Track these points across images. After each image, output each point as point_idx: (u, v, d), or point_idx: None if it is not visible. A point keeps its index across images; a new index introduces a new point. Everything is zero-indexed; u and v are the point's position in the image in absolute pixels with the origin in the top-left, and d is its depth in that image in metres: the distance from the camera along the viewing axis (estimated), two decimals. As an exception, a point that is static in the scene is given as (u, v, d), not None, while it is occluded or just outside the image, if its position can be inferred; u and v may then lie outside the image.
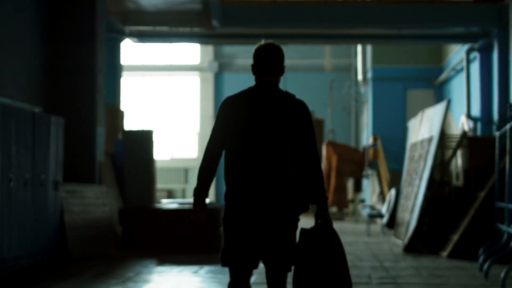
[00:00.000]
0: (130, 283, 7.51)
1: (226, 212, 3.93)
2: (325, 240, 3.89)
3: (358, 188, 20.26)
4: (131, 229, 10.92)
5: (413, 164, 12.38)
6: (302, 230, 3.97)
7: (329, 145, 19.83)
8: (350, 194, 20.56)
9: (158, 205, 11.52)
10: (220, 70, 24.36)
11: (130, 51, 22.97)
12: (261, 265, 3.96)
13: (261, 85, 4.00)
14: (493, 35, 13.77)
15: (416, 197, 11.39)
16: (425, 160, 11.41)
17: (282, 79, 4.19)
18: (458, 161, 12.94)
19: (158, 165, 19.05)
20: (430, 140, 11.45)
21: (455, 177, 12.88)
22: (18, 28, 10.13)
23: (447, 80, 18.52)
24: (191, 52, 24.54)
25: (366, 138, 21.27)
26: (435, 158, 11.15)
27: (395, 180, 16.92)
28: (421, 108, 14.37)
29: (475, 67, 14.77)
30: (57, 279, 7.79)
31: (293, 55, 22.95)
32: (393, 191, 14.15)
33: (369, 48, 20.64)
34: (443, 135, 11.86)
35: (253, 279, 7.00)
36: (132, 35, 14.57)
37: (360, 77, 21.99)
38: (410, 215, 11.39)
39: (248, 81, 4.11)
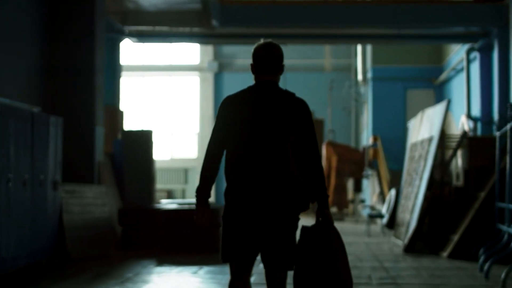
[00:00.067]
0: (129, 283, 7.48)
1: (226, 210, 3.93)
2: (326, 238, 3.89)
3: (358, 188, 20.25)
4: (130, 230, 10.90)
5: (413, 164, 12.36)
6: (303, 228, 3.98)
7: (329, 145, 19.81)
8: (350, 194, 20.54)
9: (158, 205, 11.50)
10: (220, 70, 24.35)
11: (130, 51, 22.95)
12: (261, 265, 3.95)
13: (261, 84, 3.99)
14: (493, 35, 13.76)
15: (416, 197, 11.37)
16: (425, 160, 11.39)
17: (282, 79, 4.19)
18: (458, 161, 12.92)
19: (158, 165, 19.04)
20: (430, 140, 11.43)
21: (455, 177, 12.86)
22: (17, 28, 10.11)
23: (447, 80, 18.50)
24: (191, 52, 24.53)
25: (366, 138, 21.25)
26: (435, 158, 11.13)
27: (395, 180, 16.90)
28: (421, 108, 14.35)
29: (475, 67, 14.75)
30: (56, 280, 7.76)
31: (293, 55, 22.93)
32: (393, 191, 14.13)
33: (369, 48, 20.62)
34: (443, 135, 11.84)
35: (253, 279, 6.97)
36: (131, 35, 14.55)
37: (360, 77, 21.97)
38: (410, 215, 11.36)
39: (248, 81, 4.09)
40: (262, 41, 4.05)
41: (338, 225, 4.10)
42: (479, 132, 14.26)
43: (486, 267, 7.91)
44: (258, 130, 3.88)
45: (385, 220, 13.99)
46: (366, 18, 13.94)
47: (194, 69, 24.51)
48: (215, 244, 10.28)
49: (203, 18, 13.52)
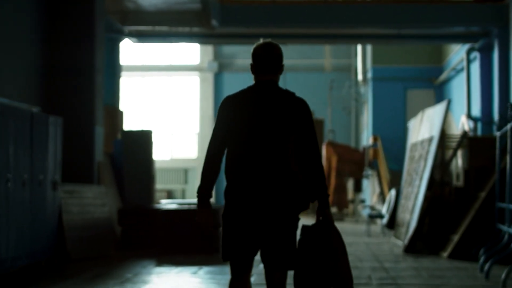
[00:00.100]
0: (129, 284, 7.47)
1: (226, 209, 3.93)
2: (327, 237, 3.89)
3: (358, 188, 20.23)
4: (130, 230, 10.89)
5: (413, 164, 12.35)
6: (304, 226, 3.98)
7: (329, 145, 19.80)
8: (350, 194, 20.52)
9: (157, 206, 11.48)
10: (220, 70, 24.34)
11: (130, 51, 22.93)
12: (261, 266, 3.95)
13: (261, 84, 3.99)
14: (494, 35, 13.74)
15: (416, 197, 11.35)
16: (426, 160, 11.37)
17: (282, 79, 4.19)
18: (459, 161, 12.90)
19: (157, 165, 19.02)
20: (430, 140, 11.42)
21: (456, 177, 12.84)
22: (17, 27, 10.10)
23: (448, 80, 18.49)
24: (190, 52, 24.51)
25: (366, 138, 21.24)
26: (435, 158, 11.11)
27: (395, 180, 16.89)
28: (421, 108, 14.33)
29: (476, 67, 14.74)
30: (56, 280, 7.75)
31: (293, 55, 22.92)
32: (393, 192, 14.12)
33: (369, 48, 20.62)
34: (444, 135, 11.82)
35: (253, 279, 6.96)
36: (131, 35, 14.53)
37: (360, 77, 21.96)
38: (411, 216, 11.35)
39: (248, 81, 4.09)
40: (261, 41, 4.05)
41: (338, 225, 4.09)
42: (479, 132, 14.25)
43: (486, 267, 7.90)
44: (258, 130, 3.88)
45: (385, 220, 13.97)
46: (366, 18, 13.93)
47: (194, 69, 24.50)
48: (215, 244, 10.26)
49: (203, 18, 13.51)
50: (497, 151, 9.33)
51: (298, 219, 3.93)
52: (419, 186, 11.37)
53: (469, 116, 14.87)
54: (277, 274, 3.89)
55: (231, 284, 3.94)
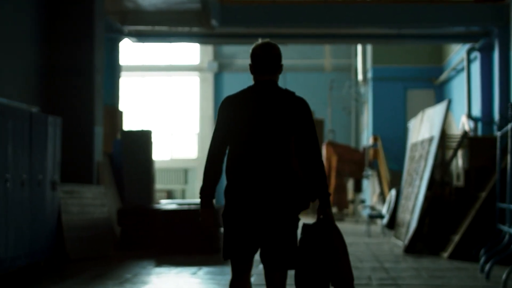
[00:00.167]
0: (128, 284, 7.45)
1: (226, 209, 3.94)
2: (328, 236, 3.89)
3: (358, 188, 20.21)
4: (129, 230, 10.86)
5: (413, 164, 12.33)
6: (305, 225, 3.98)
7: (329, 145, 19.78)
8: (350, 194, 20.50)
9: (157, 206, 11.46)
10: (219, 70, 24.31)
11: (129, 51, 22.91)
12: (261, 266, 3.95)
13: (261, 83, 4.00)
14: (494, 35, 13.72)
15: (416, 197, 11.33)
16: (426, 160, 11.35)
17: (282, 79, 4.19)
18: (459, 161, 12.88)
19: (157, 165, 19.00)
20: (430, 140, 11.39)
21: (456, 178, 12.82)
22: (17, 27, 10.07)
23: (448, 80, 18.47)
24: (190, 52, 24.49)
25: (366, 138, 21.22)
26: (435, 158, 11.09)
27: (396, 181, 16.86)
28: (422, 108, 14.31)
29: (476, 67, 14.72)
30: (55, 280, 7.73)
31: (293, 55, 22.89)
32: (393, 192, 14.09)
33: (369, 48, 20.60)
34: (444, 135, 11.80)
35: (253, 279, 6.94)
36: (131, 34, 14.51)
37: (360, 77, 21.94)
38: (411, 216, 11.33)
39: (248, 81, 4.08)
40: (260, 41, 4.06)
41: (338, 225, 4.08)
42: (479, 132, 14.23)
43: (487, 268, 7.88)
44: (258, 130, 3.89)
45: (385, 220, 13.95)
46: (366, 18, 13.91)
47: (194, 69, 24.48)
48: (214, 245, 10.24)
49: (203, 18, 13.49)
50: (498, 151, 9.31)
51: (298, 219, 3.93)
52: (419, 186, 11.35)
53: (469, 116, 14.85)
54: (277, 274, 3.89)
55: (231, 284, 3.96)
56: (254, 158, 3.87)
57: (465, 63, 15.48)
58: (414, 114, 16.00)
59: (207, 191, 3.97)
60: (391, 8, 13.87)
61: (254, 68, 4.02)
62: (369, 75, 20.50)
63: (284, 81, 20.18)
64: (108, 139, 12.67)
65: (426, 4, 13.84)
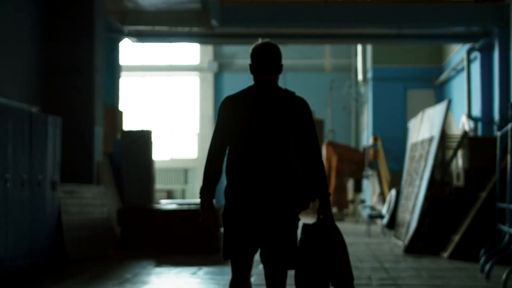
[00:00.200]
0: (128, 284, 7.44)
1: (226, 208, 3.94)
2: (328, 236, 3.89)
3: (358, 188, 20.19)
4: (129, 230, 10.86)
5: (413, 164, 12.32)
6: (305, 225, 3.99)
7: (329, 145, 19.77)
8: (350, 194, 20.49)
9: (157, 206, 11.45)
10: (219, 70, 24.30)
11: (129, 51, 22.90)
12: (261, 266, 3.95)
13: (261, 84, 4.00)
14: (494, 35, 13.72)
15: (416, 197, 11.32)
16: (426, 160, 11.35)
17: (282, 79, 4.19)
18: (459, 161, 12.87)
19: (157, 165, 18.99)
20: (430, 140, 11.39)
21: (456, 178, 12.81)
22: (16, 27, 10.07)
23: (448, 80, 18.46)
24: (190, 52, 24.48)
25: (366, 138, 21.21)
26: (435, 158, 11.08)
27: (396, 181, 16.85)
28: (422, 108, 14.31)
29: (476, 67, 14.71)
30: (54, 280, 7.73)
31: (293, 55, 22.88)
32: (393, 192, 14.08)
33: (369, 48, 20.58)
34: (444, 135, 11.79)
35: (253, 279, 6.93)
36: (131, 34, 14.50)
37: (360, 77, 21.93)
38: (411, 216, 11.32)
39: (248, 81, 4.09)
40: (260, 41, 4.06)
41: (338, 225, 4.08)
42: (479, 132, 14.22)
43: (487, 268, 7.87)
44: (258, 130, 3.89)
45: (385, 220, 13.94)
46: (366, 17, 13.89)
47: (194, 69, 24.46)
48: (214, 245, 10.23)
49: (203, 18, 13.48)
50: (498, 151, 9.30)
51: (298, 219, 3.93)
52: (419, 186, 11.34)
53: (469, 116, 14.84)
54: (277, 274, 3.89)
55: (231, 284, 3.96)
56: (254, 158, 3.87)
57: (465, 63, 15.47)
58: (414, 114, 15.99)
59: (207, 191, 3.97)
60: (391, 8, 13.86)
61: (254, 68, 4.02)
62: (369, 75, 20.49)
63: (284, 81, 20.17)
64: (108, 139, 12.67)
65: (426, 4, 13.83)
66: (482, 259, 8.35)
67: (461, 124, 15.14)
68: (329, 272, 3.87)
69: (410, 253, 10.58)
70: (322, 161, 3.95)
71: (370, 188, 19.81)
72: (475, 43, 14.61)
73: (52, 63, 10.93)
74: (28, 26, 10.43)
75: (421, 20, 13.88)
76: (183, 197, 23.08)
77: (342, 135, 23.18)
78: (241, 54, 23.59)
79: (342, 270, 3.89)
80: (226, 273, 8.22)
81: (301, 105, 3.95)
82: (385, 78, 19.81)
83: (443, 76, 18.64)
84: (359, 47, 21.86)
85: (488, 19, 13.51)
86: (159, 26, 14.39)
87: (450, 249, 10.05)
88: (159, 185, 22.09)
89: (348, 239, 4.32)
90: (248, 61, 4.11)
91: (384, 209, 14.43)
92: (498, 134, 9.46)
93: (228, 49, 24.28)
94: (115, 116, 13.57)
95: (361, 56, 21.55)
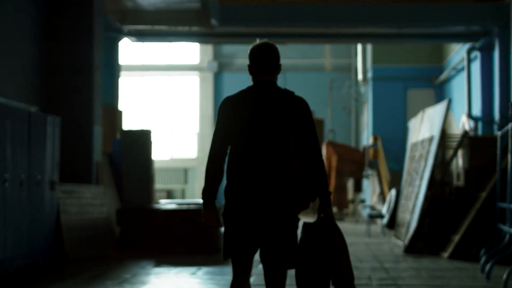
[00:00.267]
0: (127, 284, 7.42)
1: (226, 208, 3.95)
2: (328, 235, 3.90)
3: (358, 188, 20.18)
4: (129, 230, 10.83)
5: (413, 164, 12.30)
6: (305, 224, 3.99)
7: (329, 145, 19.75)
8: (350, 194, 20.47)
9: (156, 206, 11.43)
10: (219, 70, 24.28)
11: (129, 50, 22.88)
12: (261, 266, 3.95)
13: (260, 84, 4.01)
14: (494, 34, 13.70)
15: (416, 197, 11.30)
16: (426, 160, 11.32)
17: (281, 79, 4.19)
18: (459, 161, 12.85)
19: (157, 165, 18.97)
20: (430, 139, 11.36)
21: (456, 177, 12.79)
22: (15, 26, 10.04)
23: (448, 79, 18.44)
24: (190, 51, 24.46)
25: (366, 138, 21.19)
26: (435, 158, 11.06)
27: (396, 180, 16.83)
28: (422, 107, 14.29)
29: (476, 66, 14.69)
30: (54, 281, 7.70)
31: (293, 54, 22.86)
32: (393, 191, 14.06)
33: (369, 47, 20.57)
34: (444, 135, 11.77)
35: (252, 280, 6.91)
36: (130, 34, 14.48)
37: (360, 76, 21.91)
38: (411, 216, 11.30)
39: (247, 81, 4.08)
40: (258, 41, 4.07)
41: (338, 225, 4.08)
42: (480, 131, 14.20)
43: (487, 268, 7.85)
44: (258, 130, 3.90)
45: (385, 220, 13.92)
46: (366, 17, 13.87)
47: (193, 68, 24.44)
48: (214, 245, 10.21)
49: (202, 17, 13.46)
50: (498, 151, 9.28)
51: (298, 219, 3.94)
52: (419, 186, 11.32)
53: (469, 115, 14.82)
54: (277, 274, 3.90)
55: (232, 286, 3.96)
56: (254, 158, 3.88)
57: (465, 63, 15.45)
58: (414, 113, 15.97)
59: (209, 191, 3.99)
60: (391, 7, 13.84)
61: (252, 68, 4.03)
62: (369, 74, 20.47)
63: (284, 81, 20.14)
64: (108, 139, 12.64)
65: (426, 3, 13.81)
66: (483, 259, 8.33)
67: (461, 123, 15.12)
68: (330, 271, 3.88)
69: (410, 253, 10.56)
70: (322, 160, 3.96)
71: (370, 188, 19.79)
72: (475, 43, 14.59)
73: (51, 62, 10.90)
74: (27, 26, 10.40)
75: (421, 20, 13.86)
76: (183, 197, 23.07)
77: (342, 135, 23.16)
78: (241, 54, 23.57)
79: (342, 269, 3.89)
80: (225, 273, 8.20)
81: (301, 104, 3.96)
82: (385, 77, 19.79)
83: (443, 76, 18.62)
84: (359, 47, 21.84)
85: (488, 19, 13.49)
86: (159, 26, 14.37)
87: (450, 249, 10.03)
88: (159, 185, 22.08)
89: (348, 239, 4.30)
90: (248, 60, 4.11)
91: (384, 209, 14.41)
92: (498, 133, 9.43)
93: (228, 48, 24.27)
94: (115, 115, 13.55)
95: (361, 56, 21.54)
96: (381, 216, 14.23)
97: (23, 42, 10.31)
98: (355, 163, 19.62)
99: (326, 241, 3.88)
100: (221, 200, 4.51)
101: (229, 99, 4.00)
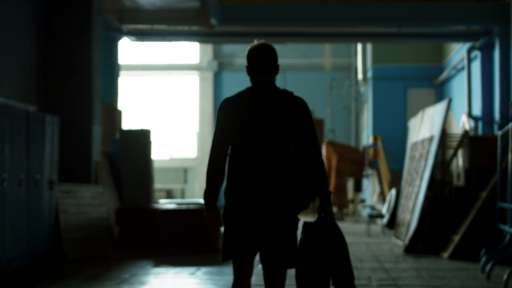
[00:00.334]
0: (126, 285, 7.39)
1: (226, 209, 3.96)
2: (328, 235, 3.90)
3: (358, 188, 20.15)
4: (128, 230, 10.81)
5: (413, 163, 12.27)
6: (305, 223, 4.00)
7: (329, 145, 19.72)
8: (350, 194, 20.46)
9: (156, 206, 11.40)
10: (219, 70, 24.26)
11: (128, 50, 22.84)
12: (260, 266, 3.95)
13: (258, 84, 4.03)
14: (494, 34, 13.68)
15: (416, 197, 11.28)
16: (426, 159, 11.30)
17: (281, 78, 4.18)
18: (459, 161, 12.83)
19: (157, 165, 18.95)
20: (430, 139, 11.34)
21: (456, 177, 12.77)
22: (13, 25, 10.02)
23: (448, 79, 18.42)
24: (190, 51, 24.44)
25: (366, 138, 21.17)
26: (436, 158, 11.04)
27: (396, 180, 16.81)
28: (422, 107, 14.27)
29: (476, 66, 14.67)
30: (53, 281, 7.68)
31: (293, 54, 22.84)
32: (393, 191, 14.04)
33: (369, 47, 20.54)
34: (444, 135, 11.75)
35: (252, 280, 6.88)
36: (130, 33, 14.46)
37: (360, 76, 21.89)
38: (411, 216, 11.27)
39: (247, 80, 4.09)
40: (255, 42, 4.08)
41: (338, 224, 4.07)
42: (480, 131, 14.18)
43: (487, 268, 7.83)
44: (258, 130, 3.91)
45: (385, 220, 13.90)
46: (366, 16, 13.85)
47: (193, 68, 24.42)
48: (213, 245, 10.19)
49: (202, 16, 13.44)
50: (498, 151, 9.26)
51: (298, 219, 3.94)
52: (419, 186, 11.30)
53: (470, 115, 14.79)
54: (276, 274, 3.91)
55: (233, 287, 3.97)
56: (254, 158, 3.89)
57: (465, 62, 15.43)
58: (414, 113, 15.95)
59: (210, 193, 3.99)
60: (391, 6, 13.82)
61: (251, 69, 4.05)
62: (369, 74, 20.44)
63: (284, 81, 20.13)
64: (107, 139, 12.62)
65: (427, 2, 13.78)
66: (483, 259, 8.31)
67: (462, 123, 15.10)
68: (330, 270, 3.88)
69: (410, 253, 10.53)
70: (322, 160, 3.96)
71: (370, 188, 19.77)
72: (475, 42, 14.57)
73: (50, 62, 10.87)
74: (26, 25, 10.38)
75: (421, 19, 13.85)
76: (183, 196, 23.06)
77: (342, 135, 23.14)
78: (241, 53, 23.54)
79: (342, 268, 3.90)
80: (224, 274, 8.18)
81: (300, 104, 3.96)
82: (385, 77, 19.77)
83: (443, 75, 18.60)
84: (359, 46, 21.82)
85: (489, 18, 13.47)
86: (158, 25, 14.35)
87: (450, 249, 10.00)
88: (159, 184, 22.06)
89: (348, 239, 4.28)
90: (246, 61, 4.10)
91: (384, 209, 14.38)
92: (498, 133, 9.41)
93: (228, 48, 24.25)
94: (114, 115, 13.52)
95: (361, 55, 21.51)
96: (381, 216, 14.20)
97: (22, 42, 10.28)
98: (355, 163, 19.59)
99: (326, 241, 3.89)
100: (221, 200, 4.50)
101: (228, 100, 4.01)
